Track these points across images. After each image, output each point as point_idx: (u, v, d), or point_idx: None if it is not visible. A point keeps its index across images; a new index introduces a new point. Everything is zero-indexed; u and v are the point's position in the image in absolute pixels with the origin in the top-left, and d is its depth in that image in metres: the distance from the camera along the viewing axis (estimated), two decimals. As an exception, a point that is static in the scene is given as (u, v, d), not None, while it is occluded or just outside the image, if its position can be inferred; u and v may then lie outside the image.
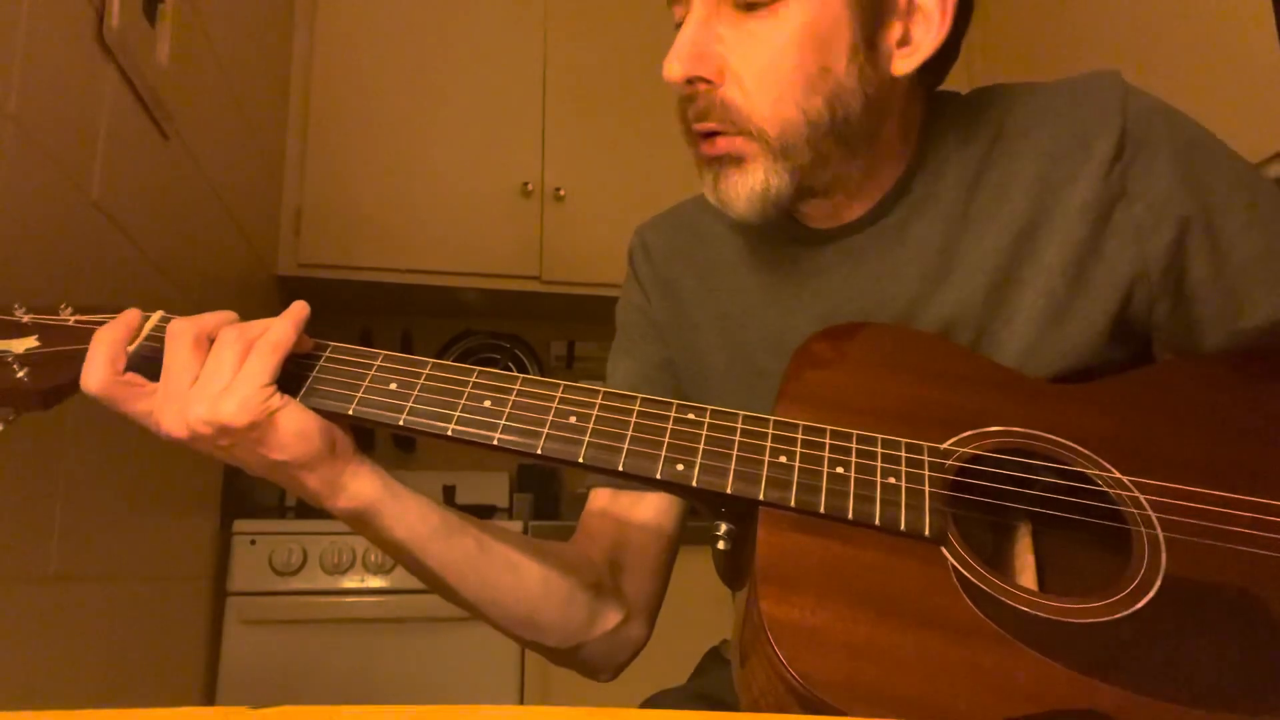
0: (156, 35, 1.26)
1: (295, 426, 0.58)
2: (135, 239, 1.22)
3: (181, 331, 0.58)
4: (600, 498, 0.80)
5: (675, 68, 0.65)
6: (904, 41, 0.66)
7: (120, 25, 1.11)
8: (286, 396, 0.58)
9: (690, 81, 0.65)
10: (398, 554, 0.65)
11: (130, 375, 0.59)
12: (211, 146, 1.54)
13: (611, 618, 0.74)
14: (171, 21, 1.29)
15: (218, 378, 0.57)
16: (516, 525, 1.88)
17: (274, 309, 2.18)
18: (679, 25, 0.67)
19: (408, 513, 0.64)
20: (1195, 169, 0.66)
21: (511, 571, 0.69)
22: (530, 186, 2.22)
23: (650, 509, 0.79)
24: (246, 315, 0.61)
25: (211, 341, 0.59)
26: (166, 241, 1.34)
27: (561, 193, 2.24)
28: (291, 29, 2.16)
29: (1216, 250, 0.66)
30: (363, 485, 0.62)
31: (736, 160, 0.66)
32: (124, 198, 1.17)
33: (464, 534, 0.66)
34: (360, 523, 0.63)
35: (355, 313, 2.41)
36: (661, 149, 2.26)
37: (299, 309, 0.61)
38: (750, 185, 0.66)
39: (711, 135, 0.67)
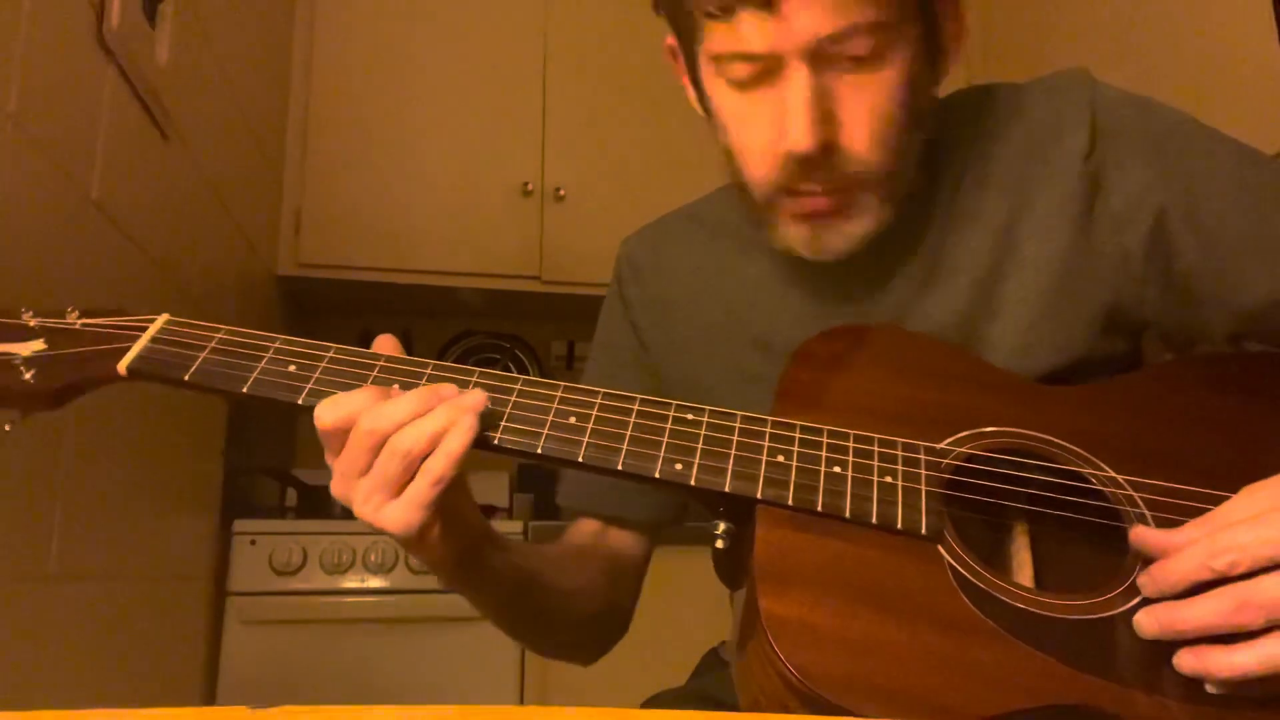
0: (156, 35, 1.26)
1: (436, 548, 0.60)
2: (135, 239, 1.22)
3: (365, 436, 0.56)
4: (590, 524, 0.85)
5: (806, 140, 0.60)
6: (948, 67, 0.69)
7: (120, 25, 1.11)
8: (438, 518, 0.58)
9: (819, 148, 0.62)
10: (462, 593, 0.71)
11: None
12: (211, 146, 1.54)
13: (618, 631, 0.84)
14: (171, 21, 1.29)
15: (380, 491, 0.56)
16: (517, 525, 1.89)
17: (274, 309, 2.17)
18: (735, 84, 0.64)
19: (493, 587, 0.68)
20: (1170, 156, 0.66)
21: (550, 621, 0.76)
22: (530, 186, 2.22)
23: (634, 530, 0.84)
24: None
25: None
26: (166, 241, 1.35)
27: (561, 193, 2.24)
28: (291, 29, 2.16)
29: (1203, 234, 0.66)
30: (480, 573, 0.66)
31: (846, 211, 0.65)
32: (124, 198, 1.17)
33: (528, 599, 0.72)
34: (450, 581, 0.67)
35: (355, 313, 2.41)
36: (661, 149, 2.27)
37: (459, 444, 0.55)
38: (859, 234, 0.66)
39: (821, 191, 0.64)
